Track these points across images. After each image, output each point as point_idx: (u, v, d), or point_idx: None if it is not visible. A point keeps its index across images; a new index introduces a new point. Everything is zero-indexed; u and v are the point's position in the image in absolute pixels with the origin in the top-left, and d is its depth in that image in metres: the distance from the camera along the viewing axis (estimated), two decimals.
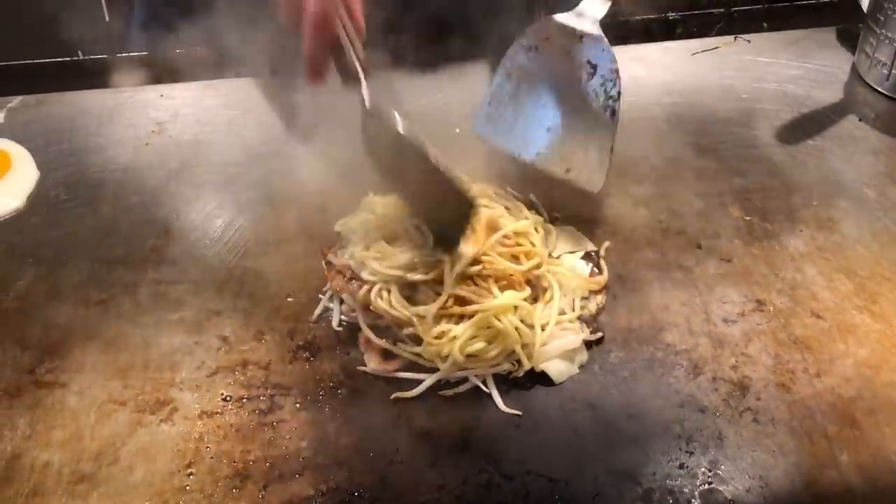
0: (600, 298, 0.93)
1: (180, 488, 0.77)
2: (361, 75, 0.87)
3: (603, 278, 0.94)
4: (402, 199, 0.93)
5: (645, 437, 0.81)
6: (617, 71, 0.95)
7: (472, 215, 0.86)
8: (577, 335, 0.87)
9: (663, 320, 0.91)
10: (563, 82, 0.99)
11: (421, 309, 0.85)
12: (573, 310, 0.90)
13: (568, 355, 0.87)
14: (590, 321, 0.90)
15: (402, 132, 0.83)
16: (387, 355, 0.87)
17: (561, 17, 0.97)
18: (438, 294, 0.86)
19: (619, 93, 0.96)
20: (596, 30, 0.96)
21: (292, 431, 0.81)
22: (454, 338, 0.83)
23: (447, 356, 0.83)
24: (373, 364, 0.86)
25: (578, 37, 0.96)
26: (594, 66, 0.96)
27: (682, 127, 1.17)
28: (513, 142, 1.01)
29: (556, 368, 0.86)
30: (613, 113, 0.96)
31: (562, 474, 0.77)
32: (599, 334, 0.89)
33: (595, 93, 0.97)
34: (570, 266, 0.95)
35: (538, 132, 1.00)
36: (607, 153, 0.96)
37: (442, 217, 0.88)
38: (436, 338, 0.84)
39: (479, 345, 0.84)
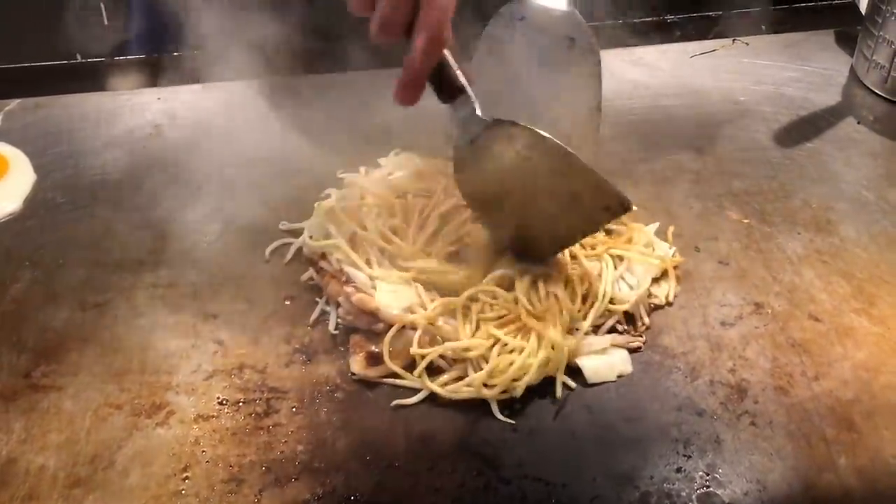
0: (673, 286, 0.94)
1: (176, 492, 0.76)
2: (468, 87, 0.84)
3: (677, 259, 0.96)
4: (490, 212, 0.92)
5: (642, 440, 0.80)
6: (594, 42, 0.97)
7: (613, 219, 0.87)
8: (623, 350, 0.88)
9: (660, 323, 0.91)
10: (542, 56, 0.99)
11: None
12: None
13: (609, 360, 0.87)
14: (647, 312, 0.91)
15: (544, 134, 0.81)
16: (371, 361, 0.86)
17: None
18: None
19: (599, 61, 0.98)
20: (569, 6, 0.97)
21: (289, 435, 0.81)
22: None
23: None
24: (356, 367, 0.86)
25: (552, 14, 0.97)
26: (572, 39, 0.97)
27: (680, 129, 1.17)
28: (499, 114, 1.02)
29: (593, 368, 0.86)
30: (597, 79, 0.98)
31: (559, 478, 0.77)
32: (639, 343, 0.89)
33: (577, 62, 0.98)
34: (645, 241, 0.97)
35: (523, 102, 1.01)
36: (597, 114, 0.98)
37: (558, 227, 0.88)
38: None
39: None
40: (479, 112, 0.84)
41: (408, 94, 0.83)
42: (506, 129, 0.82)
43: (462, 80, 0.84)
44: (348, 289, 0.89)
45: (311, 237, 0.95)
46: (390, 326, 0.87)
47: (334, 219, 0.95)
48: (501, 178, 0.86)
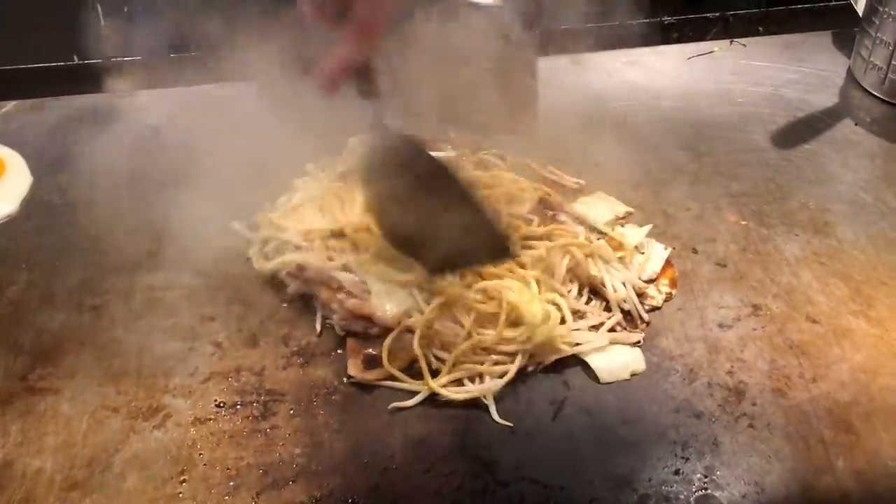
0: (665, 285, 0.94)
1: (173, 495, 0.76)
2: (386, 94, 0.85)
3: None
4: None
5: (640, 442, 0.80)
6: (526, 37, 0.97)
7: (498, 259, 0.88)
8: (635, 344, 0.89)
9: (658, 325, 0.91)
10: (476, 51, 1.00)
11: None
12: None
13: (623, 359, 0.87)
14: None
15: (435, 157, 0.83)
16: (369, 365, 0.86)
17: None
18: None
19: (534, 54, 0.98)
20: (499, 2, 0.97)
21: (286, 438, 0.81)
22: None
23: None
24: (353, 370, 0.85)
25: (485, 11, 0.97)
26: (506, 35, 0.97)
27: (678, 131, 1.17)
28: (439, 111, 1.02)
29: (605, 367, 0.86)
30: (533, 72, 0.98)
31: (557, 480, 0.77)
32: (637, 337, 0.89)
33: (512, 58, 0.97)
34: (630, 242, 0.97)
35: (461, 99, 1.01)
36: (535, 103, 0.99)
37: (446, 247, 0.88)
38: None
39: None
40: (389, 123, 0.85)
41: (328, 83, 0.82)
42: (412, 148, 0.84)
43: (383, 85, 0.85)
44: (340, 295, 0.88)
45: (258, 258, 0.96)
46: (386, 329, 0.87)
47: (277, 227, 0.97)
48: (398, 191, 0.88)
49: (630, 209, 1.03)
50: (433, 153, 0.83)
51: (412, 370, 0.86)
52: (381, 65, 0.84)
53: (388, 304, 0.88)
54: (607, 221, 1.00)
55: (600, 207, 1.03)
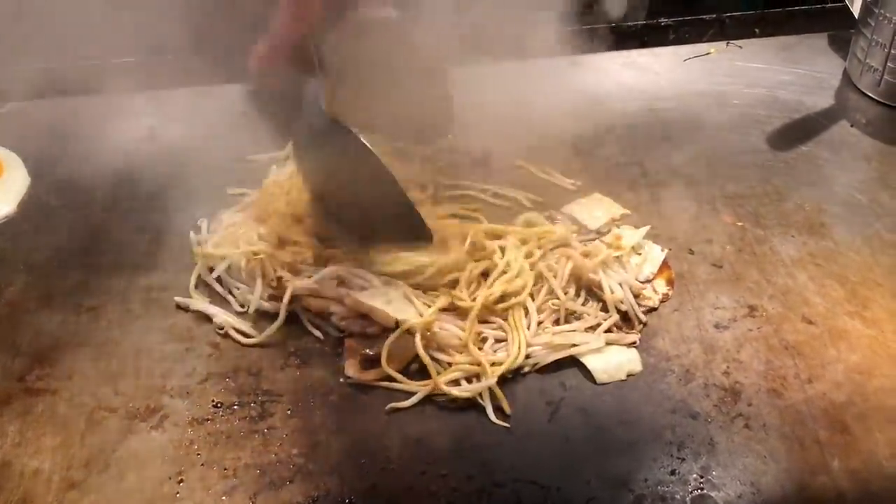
0: (661, 285, 0.95)
1: (171, 495, 0.76)
2: (321, 74, 0.87)
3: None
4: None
5: (637, 443, 0.80)
6: (430, 44, 1.00)
7: (417, 244, 0.91)
8: (631, 344, 0.89)
9: (655, 326, 0.91)
10: (388, 61, 1.01)
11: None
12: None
13: (618, 360, 0.87)
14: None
15: (370, 148, 0.85)
16: (367, 365, 0.86)
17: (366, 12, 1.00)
18: None
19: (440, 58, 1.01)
20: (396, 14, 0.99)
21: (283, 438, 0.81)
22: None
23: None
24: (350, 371, 0.86)
25: (389, 24, 0.99)
26: (411, 42, 1.00)
27: (674, 132, 1.18)
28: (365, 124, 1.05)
29: (601, 368, 0.86)
30: (443, 72, 1.01)
31: (553, 481, 0.77)
32: (633, 338, 0.90)
33: (421, 62, 1.00)
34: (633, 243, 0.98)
35: (379, 107, 1.03)
36: (450, 100, 1.02)
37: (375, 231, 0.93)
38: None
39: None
40: (322, 106, 0.86)
41: (264, 62, 0.84)
42: (342, 132, 0.86)
43: (319, 64, 0.86)
44: (342, 290, 0.89)
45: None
46: (383, 329, 0.87)
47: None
48: (329, 172, 0.92)
49: (626, 211, 1.03)
50: (358, 136, 0.86)
51: (407, 371, 0.86)
52: (316, 45, 0.86)
53: (387, 305, 0.88)
54: (604, 223, 1.01)
55: (596, 209, 1.03)
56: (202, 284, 0.96)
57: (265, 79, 0.88)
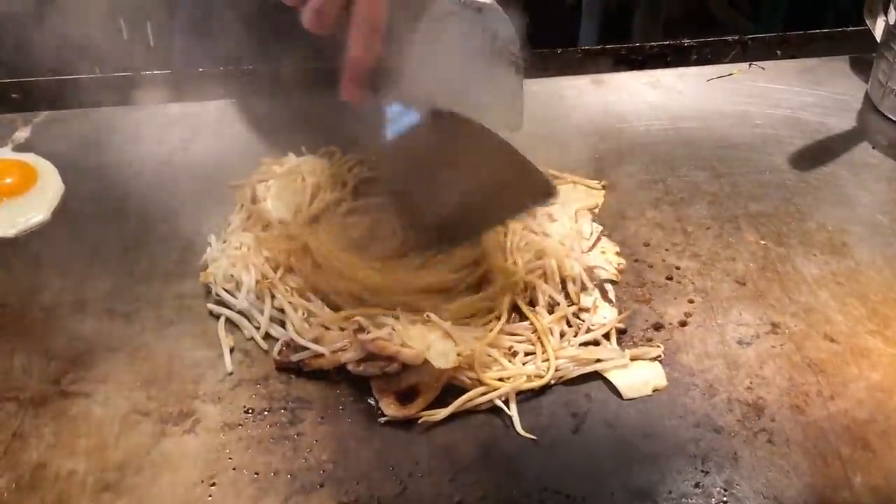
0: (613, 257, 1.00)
1: (203, 498, 0.78)
2: (397, 78, 0.87)
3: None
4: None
5: (661, 456, 0.82)
6: (515, 35, 1.00)
7: (542, 201, 0.93)
8: (655, 358, 0.91)
9: (679, 341, 0.92)
10: (470, 48, 1.02)
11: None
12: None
13: (643, 375, 0.89)
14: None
15: (479, 123, 0.86)
16: (403, 400, 0.85)
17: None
18: None
19: (519, 51, 1.00)
20: (491, 1, 1.00)
21: (313, 444, 0.82)
22: None
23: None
24: (390, 410, 0.84)
25: (478, 9, 0.99)
26: (495, 32, 1.00)
27: (698, 151, 1.19)
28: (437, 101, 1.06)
29: (627, 384, 0.87)
30: (518, 68, 1.01)
31: (579, 491, 0.78)
32: (657, 352, 0.91)
33: (500, 54, 1.00)
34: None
35: (455, 91, 1.04)
36: (520, 98, 1.02)
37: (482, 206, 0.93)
38: None
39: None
40: (405, 104, 0.87)
41: (355, 91, 0.84)
42: (442, 117, 0.87)
43: (391, 71, 0.87)
44: (362, 336, 0.86)
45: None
46: (403, 364, 0.85)
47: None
48: (430, 164, 0.92)
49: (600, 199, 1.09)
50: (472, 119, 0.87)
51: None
52: (383, 60, 0.86)
53: (412, 340, 0.86)
54: (578, 209, 1.06)
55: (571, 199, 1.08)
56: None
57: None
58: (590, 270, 0.97)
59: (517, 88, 1.02)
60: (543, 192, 0.91)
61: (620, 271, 0.99)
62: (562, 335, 0.91)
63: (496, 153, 0.88)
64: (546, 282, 0.95)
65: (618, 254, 1.01)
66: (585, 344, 0.91)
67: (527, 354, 0.90)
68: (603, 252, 1.01)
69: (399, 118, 0.89)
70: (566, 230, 1.01)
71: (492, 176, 0.91)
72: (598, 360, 0.88)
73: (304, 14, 0.84)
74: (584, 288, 0.96)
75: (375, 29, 0.82)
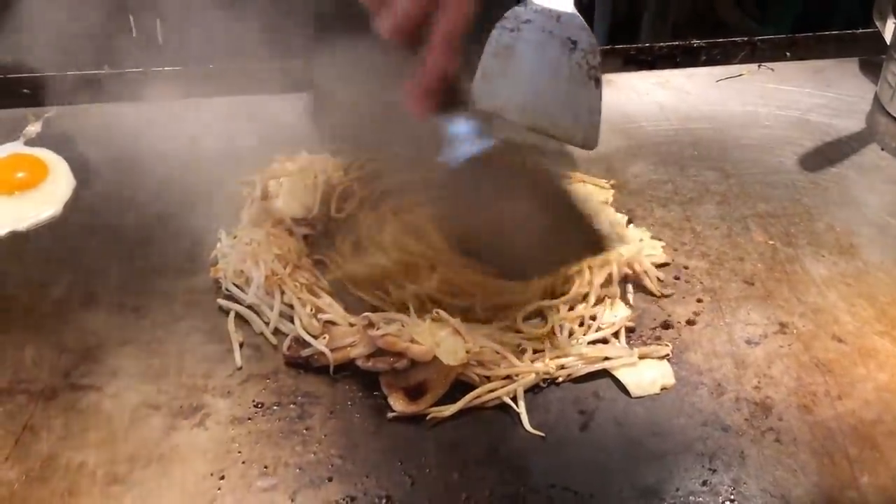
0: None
1: (212, 491, 0.78)
2: (469, 102, 0.85)
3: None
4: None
5: (669, 454, 0.82)
6: (595, 44, 1.00)
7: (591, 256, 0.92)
8: (663, 357, 0.91)
9: (687, 340, 0.93)
10: (546, 58, 1.02)
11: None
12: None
13: (651, 374, 0.89)
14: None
15: (547, 166, 0.88)
16: (412, 396, 0.85)
17: (539, 1, 1.02)
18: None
19: (599, 63, 1.01)
20: (571, 9, 1.00)
21: (322, 439, 0.83)
22: None
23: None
24: (399, 406, 0.84)
25: (556, 17, 1.00)
26: (574, 42, 1.00)
27: (707, 152, 1.19)
28: (508, 112, 1.06)
29: (635, 382, 0.88)
30: (598, 81, 1.01)
31: (587, 488, 0.79)
32: (665, 351, 0.91)
33: (578, 65, 1.01)
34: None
35: (529, 103, 1.03)
36: (597, 114, 1.03)
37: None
38: None
39: None
40: (479, 130, 0.84)
41: (425, 103, 0.80)
42: (511, 150, 0.87)
43: (465, 94, 0.84)
44: (372, 332, 0.86)
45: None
46: (413, 361, 0.86)
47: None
48: (493, 197, 0.89)
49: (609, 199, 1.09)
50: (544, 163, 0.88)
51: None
52: (461, 74, 0.83)
53: (422, 336, 0.86)
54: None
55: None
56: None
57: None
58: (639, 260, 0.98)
59: (595, 103, 1.02)
60: (596, 245, 0.90)
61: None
62: (570, 333, 0.92)
63: (558, 198, 0.87)
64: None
65: (654, 237, 1.03)
66: (595, 342, 0.91)
67: (535, 352, 0.90)
68: (640, 240, 1.02)
69: (465, 140, 0.84)
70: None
71: (552, 222, 0.88)
72: (607, 358, 0.89)
73: (383, 20, 0.78)
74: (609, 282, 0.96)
75: (456, 43, 0.78)
